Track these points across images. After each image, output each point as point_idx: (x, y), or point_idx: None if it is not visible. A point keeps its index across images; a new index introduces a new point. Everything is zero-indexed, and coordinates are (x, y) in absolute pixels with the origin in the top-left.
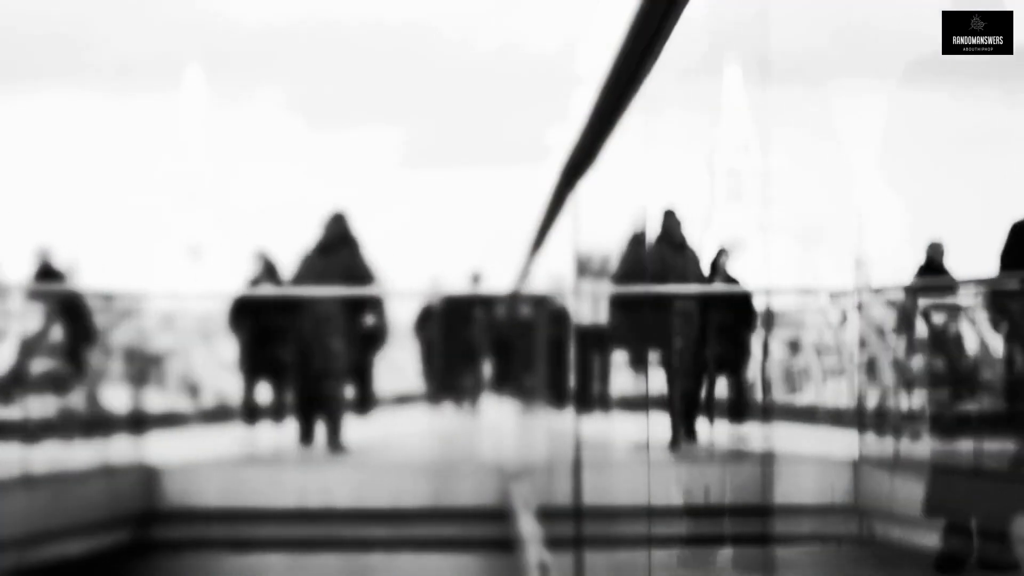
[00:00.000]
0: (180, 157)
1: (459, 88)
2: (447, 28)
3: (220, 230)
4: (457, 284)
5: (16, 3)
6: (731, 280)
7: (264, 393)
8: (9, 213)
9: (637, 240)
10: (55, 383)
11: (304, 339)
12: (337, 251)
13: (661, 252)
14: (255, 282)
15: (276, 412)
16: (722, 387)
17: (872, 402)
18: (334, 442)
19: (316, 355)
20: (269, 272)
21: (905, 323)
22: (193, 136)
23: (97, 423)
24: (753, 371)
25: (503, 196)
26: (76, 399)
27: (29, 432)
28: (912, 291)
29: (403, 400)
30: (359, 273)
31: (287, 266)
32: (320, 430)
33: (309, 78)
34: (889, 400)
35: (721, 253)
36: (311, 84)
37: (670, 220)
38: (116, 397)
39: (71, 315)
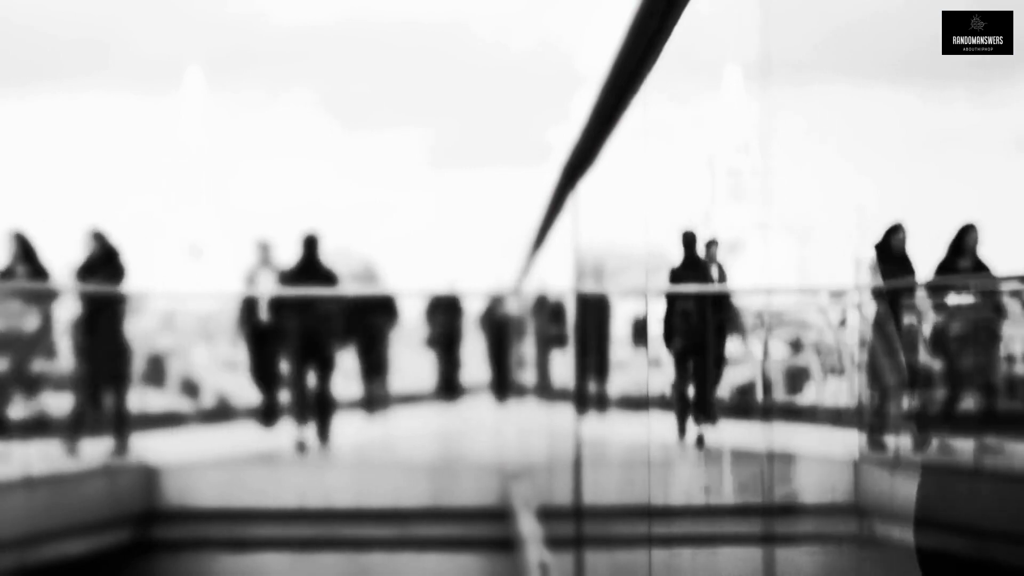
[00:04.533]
0: (191, 156)
1: (491, 88)
2: (481, 28)
3: (286, 226)
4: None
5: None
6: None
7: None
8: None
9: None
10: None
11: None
12: None
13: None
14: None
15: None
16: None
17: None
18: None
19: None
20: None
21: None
22: (197, 135)
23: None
24: (754, 371)
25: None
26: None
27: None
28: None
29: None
30: None
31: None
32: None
33: (342, 78)
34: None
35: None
36: (343, 84)
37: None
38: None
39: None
